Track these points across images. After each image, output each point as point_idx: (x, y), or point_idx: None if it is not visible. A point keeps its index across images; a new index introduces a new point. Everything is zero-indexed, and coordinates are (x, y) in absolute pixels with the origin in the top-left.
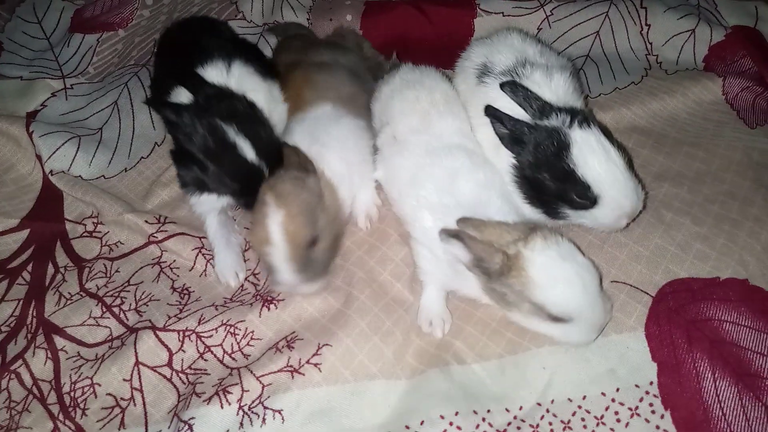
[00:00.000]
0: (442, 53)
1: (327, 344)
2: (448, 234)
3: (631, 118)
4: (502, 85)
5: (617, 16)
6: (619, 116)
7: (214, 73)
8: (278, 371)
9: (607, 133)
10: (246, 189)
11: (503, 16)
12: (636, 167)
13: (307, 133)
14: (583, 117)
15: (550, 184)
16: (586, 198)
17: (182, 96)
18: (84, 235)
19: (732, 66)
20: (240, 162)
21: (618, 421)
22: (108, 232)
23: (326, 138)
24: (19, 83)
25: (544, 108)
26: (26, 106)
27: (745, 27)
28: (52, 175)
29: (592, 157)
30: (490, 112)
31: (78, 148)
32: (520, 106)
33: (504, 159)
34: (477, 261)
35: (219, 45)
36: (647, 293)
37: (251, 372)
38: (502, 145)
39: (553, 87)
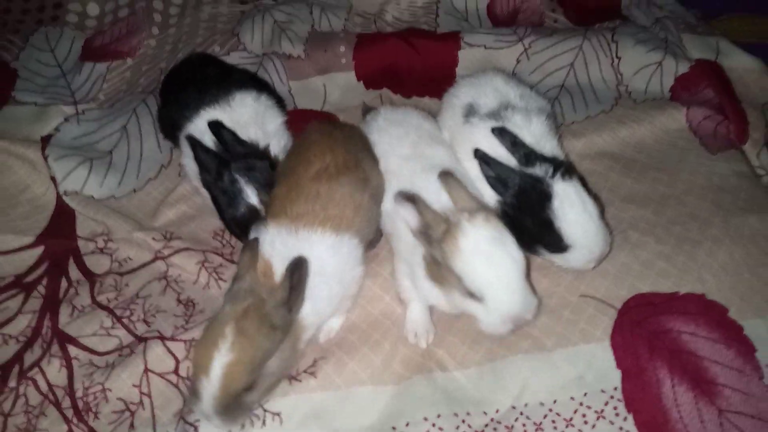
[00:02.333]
0: (430, 83)
1: (322, 357)
2: (404, 197)
3: (602, 145)
4: (493, 130)
5: (590, 49)
6: (590, 142)
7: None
8: None
9: (583, 182)
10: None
11: (485, 48)
12: (606, 190)
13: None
14: (565, 169)
15: (530, 227)
16: (560, 247)
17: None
18: (95, 251)
19: (696, 96)
20: (245, 208)
21: (585, 423)
22: (117, 248)
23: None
24: (34, 109)
25: (529, 156)
26: (41, 131)
27: (708, 60)
28: (65, 195)
29: (570, 210)
30: (480, 155)
31: (90, 170)
32: (508, 151)
33: (488, 193)
34: (424, 227)
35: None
36: (613, 306)
37: None
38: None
39: (532, 129)
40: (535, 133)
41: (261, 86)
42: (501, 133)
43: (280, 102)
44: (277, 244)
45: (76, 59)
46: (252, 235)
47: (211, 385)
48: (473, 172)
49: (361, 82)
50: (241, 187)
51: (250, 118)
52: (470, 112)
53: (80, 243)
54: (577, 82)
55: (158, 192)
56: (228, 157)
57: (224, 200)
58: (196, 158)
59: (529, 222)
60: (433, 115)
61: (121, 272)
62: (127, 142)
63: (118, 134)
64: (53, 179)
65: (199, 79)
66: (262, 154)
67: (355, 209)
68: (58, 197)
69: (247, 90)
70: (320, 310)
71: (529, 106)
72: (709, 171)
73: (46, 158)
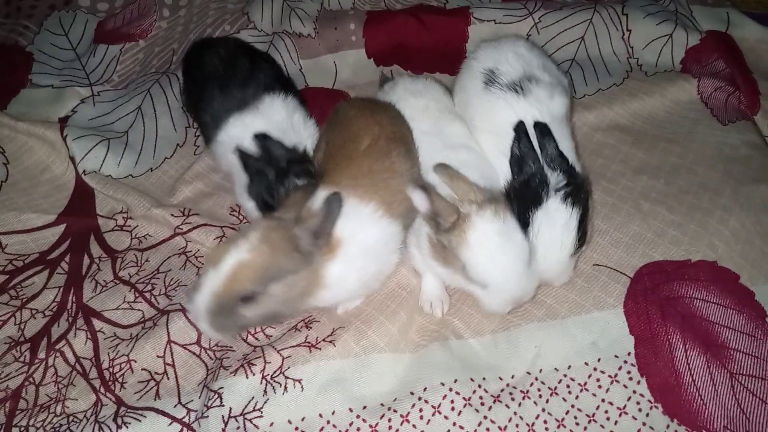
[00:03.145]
0: (440, 59)
1: (341, 326)
2: (417, 183)
3: (613, 117)
4: (535, 125)
5: (600, 23)
6: (602, 115)
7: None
8: (297, 345)
9: (586, 198)
10: None
11: (495, 23)
12: (617, 162)
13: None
14: (574, 189)
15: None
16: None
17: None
18: (115, 229)
19: (706, 68)
20: None
21: (599, 387)
22: (137, 225)
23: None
24: (51, 91)
25: (554, 160)
26: (58, 113)
27: (718, 32)
28: (84, 175)
29: (544, 229)
30: (522, 128)
31: (107, 150)
32: (539, 146)
33: (503, 169)
34: (434, 215)
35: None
36: (626, 275)
37: (273, 347)
38: (502, 156)
39: (552, 108)
40: (554, 112)
41: (285, 84)
42: (542, 129)
43: (298, 95)
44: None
45: (89, 42)
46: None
47: (215, 278)
48: (488, 145)
49: (372, 59)
50: None
51: (283, 121)
52: (491, 79)
53: (100, 221)
54: (588, 55)
55: (174, 170)
56: (277, 165)
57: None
58: (248, 169)
59: (516, 210)
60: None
61: (141, 248)
62: (142, 122)
63: (133, 114)
64: (72, 159)
65: (224, 78)
66: (306, 157)
67: (404, 194)
68: (78, 177)
69: (274, 92)
70: (347, 278)
71: (553, 81)
72: (720, 141)
73: (64, 139)
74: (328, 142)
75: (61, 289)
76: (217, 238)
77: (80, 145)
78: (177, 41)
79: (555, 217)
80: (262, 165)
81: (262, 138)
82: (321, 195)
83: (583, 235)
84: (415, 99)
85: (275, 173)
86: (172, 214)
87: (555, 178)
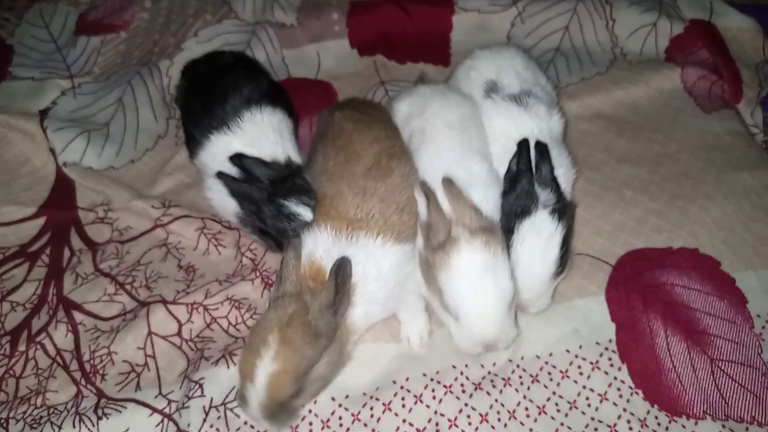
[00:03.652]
0: (425, 49)
1: None
2: (423, 188)
3: (597, 106)
4: (536, 144)
5: (584, 12)
6: (585, 104)
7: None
8: None
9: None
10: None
11: (479, 13)
12: (600, 151)
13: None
14: (561, 208)
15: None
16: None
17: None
18: (96, 221)
19: (690, 56)
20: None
21: (581, 374)
22: (118, 218)
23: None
24: (31, 83)
25: (546, 182)
26: (38, 105)
27: (702, 21)
28: (65, 166)
29: (529, 240)
30: (525, 145)
31: (88, 142)
32: (536, 164)
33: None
34: (427, 225)
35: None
36: (608, 263)
37: None
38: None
39: (551, 126)
40: (553, 130)
41: (269, 94)
42: (542, 150)
43: (286, 102)
44: (332, 248)
45: (70, 34)
46: (299, 233)
47: (257, 393)
48: (493, 149)
49: (355, 49)
50: (292, 210)
51: (265, 136)
52: (492, 89)
53: (81, 213)
54: (572, 45)
55: (156, 162)
56: (262, 186)
57: (282, 229)
58: (235, 194)
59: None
60: (436, 83)
61: (122, 240)
62: (123, 113)
63: (114, 106)
64: (52, 151)
65: (204, 94)
66: (292, 169)
67: (411, 205)
68: (58, 169)
69: (256, 106)
70: (373, 314)
71: (550, 99)
72: (703, 130)
73: (45, 131)
74: (326, 157)
75: (42, 282)
76: (198, 229)
77: (60, 137)
78: (159, 32)
79: (541, 229)
80: (247, 188)
81: (237, 159)
82: (324, 236)
83: (564, 258)
84: (452, 95)
85: (262, 195)
86: (152, 206)
87: (546, 195)
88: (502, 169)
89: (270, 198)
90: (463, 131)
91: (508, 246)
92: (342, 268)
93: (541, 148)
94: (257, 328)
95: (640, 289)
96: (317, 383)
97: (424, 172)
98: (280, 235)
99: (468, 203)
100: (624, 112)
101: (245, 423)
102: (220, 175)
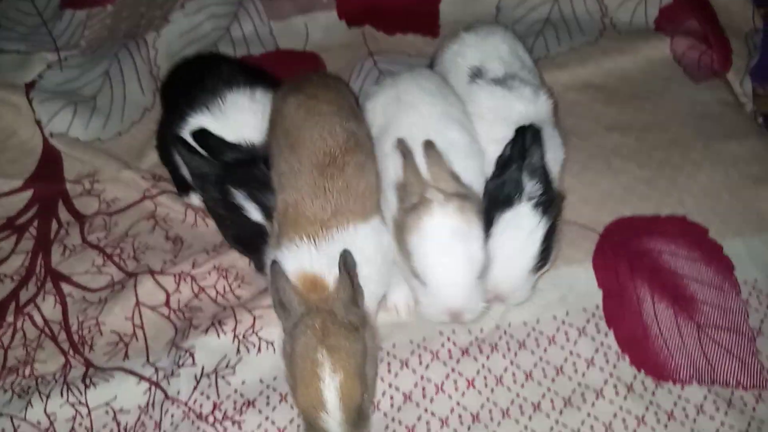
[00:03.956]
0: (413, 19)
1: None
2: (401, 147)
3: (586, 76)
4: (529, 128)
5: None
6: (574, 74)
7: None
8: (268, 306)
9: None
10: (249, 248)
11: None
12: (589, 120)
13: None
14: (547, 201)
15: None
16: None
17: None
18: (83, 193)
19: (680, 26)
20: (246, 224)
21: (567, 340)
22: (104, 189)
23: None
24: (17, 56)
25: (536, 170)
26: (24, 78)
27: None
28: (51, 137)
29: (509, 233)
30: (520, 131)
31: (74, 113)
32: (526, 151)
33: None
34: (402, 185)
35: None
36: (595, 231)
37: (243, 306)
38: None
39: (538, 108)
40: (540, 112)
41: (251, 75)
42: (534, 135)
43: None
44: (317, 255)
45: (56, 8)
46: (269, 257)
47: (335, 415)
48: (479, 126)
49: (344, 20)
50: (237, 202)
51: (245, 119)
52: (477, 74)
53: (68, 186)
54: (562, 15)
55: (143, 134)
56: (221, 168)
57: (228, 218)
58: (187, 165)
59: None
60: (419, 52)
61: (110, 212)
62: (110, 86)
63: (100, 79)
64: (39, 123)
65: (184, 83)
66: (258, 155)
67: (371, 188)
68: (45, 142)
69: (238, 88)
70: (377, 293)
71: (537, 84)
72: (693, 99)
73: (30, 102)
74: (279, 156)
75: (29, 254)
76: (186, 203)
77: (46, 108)
78: (145, 5)
79: (523, 222)
80: (199, 161)
81: (200, 135)
82: (304, 248)
83: (546, 253)
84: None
85: (210, 171)
86: (142, 177)
87: (531, 186)
88: (491, 148)
89: (217, 180)
90: (443, 98)
91: (486, 230)
92: (346, 261)
93: (534, 132)
94: (297, 364)
95: (627, 256)
96: (371, 375)
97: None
98: (233, 229)
99: (446, 168)
100: (613, 81)
101: (235, 391)
102: (178, 140)
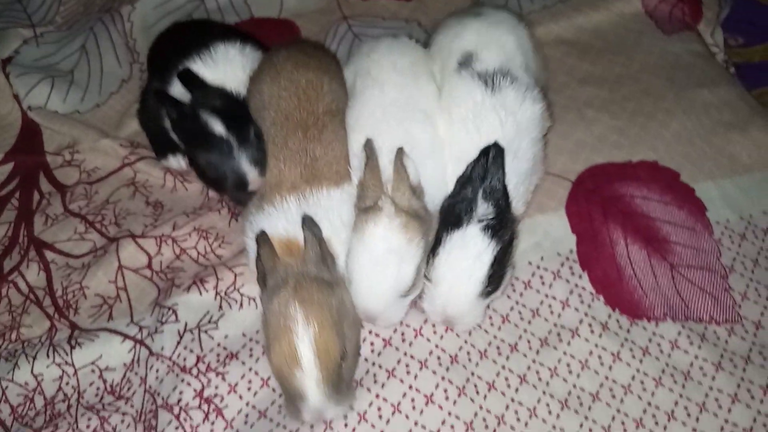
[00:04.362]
0: None
1: None
2: (368, 147)
3: (558, 32)
4: (493, 146)
5: None
6: (547, 30)
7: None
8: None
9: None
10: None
11: None
12: (562, 74)
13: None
14: (498, 225)
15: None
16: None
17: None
18: (63, 164)
19: None
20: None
21: (543, 284)
22: (84, 159)
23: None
24: None
25: (493, 192)
26: (0, 54)
27: None
28: (30, 110)
29: (456, 254)
30: (487, 151)
31: (52, 87)
32: (487, 171)
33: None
34: (362, 186)
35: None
36: (568, 179)
37: (224, 264)
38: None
39: (519, 117)
40: (521, 121)
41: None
42: (495, 156)
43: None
44: (291, 218)
45: None
46: (252, 223)
47: (310, 374)
48: (445, 117)
49: None
50: (211, 129)
51: (234, 71)
52: (466, 61)
53: (49, 158)
54: None
55: (121, 105)
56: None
57: (210, 161)
58: (169, 115)
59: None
60: (393, 15)
61: (91, 181)
62: (87, 60)
63: (77, 54)
64: (16, 97)
65: (175, 39)
66: (243, 104)
67: (340, 156)
68: (24, 115)
69: (230, 41)
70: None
71: (529, 84)
72: (664, 51)
73: (7, 76)
74: (265, 116)
75: (12, 224)
76: (165, 168)
77: (24, 82)
78: None
79: (470, 245)
80: (181, 109)
81: (184, 74)
82: (281, 212)
83: (497, 278)
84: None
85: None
86: (120, 144)
87: (484, 208)
88: (454, 147)
89: (194, 105)
90: (414, 79)
91: (433, 253)
92: (308, 223)
93: (497, 151)
94: (271, 321)
95: (600, 201)
96: (351, 339)
97: (364, 122)
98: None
99: (408, 181)
100: (585, 36)
101: (218, 345)
102: (159, 93)
